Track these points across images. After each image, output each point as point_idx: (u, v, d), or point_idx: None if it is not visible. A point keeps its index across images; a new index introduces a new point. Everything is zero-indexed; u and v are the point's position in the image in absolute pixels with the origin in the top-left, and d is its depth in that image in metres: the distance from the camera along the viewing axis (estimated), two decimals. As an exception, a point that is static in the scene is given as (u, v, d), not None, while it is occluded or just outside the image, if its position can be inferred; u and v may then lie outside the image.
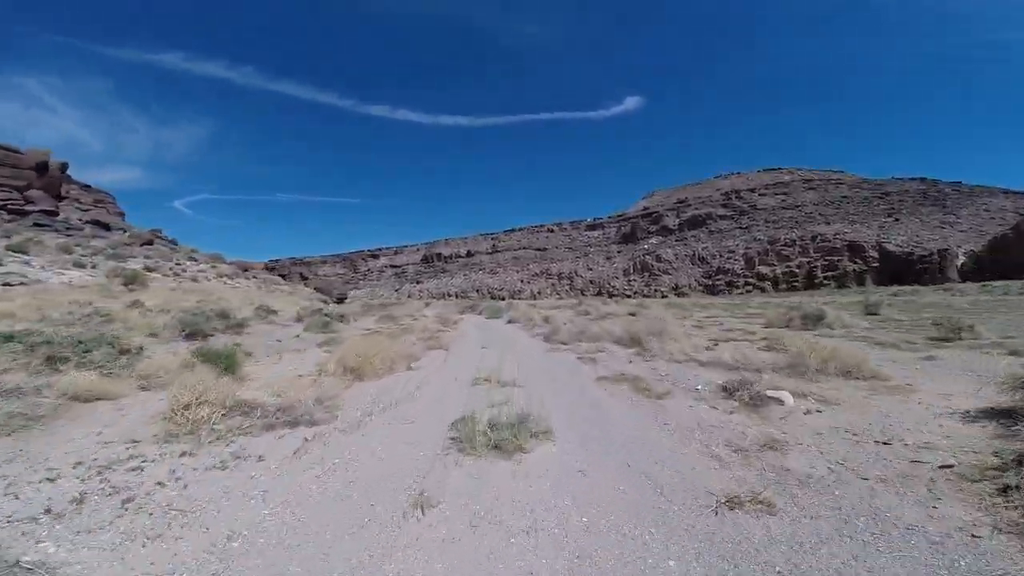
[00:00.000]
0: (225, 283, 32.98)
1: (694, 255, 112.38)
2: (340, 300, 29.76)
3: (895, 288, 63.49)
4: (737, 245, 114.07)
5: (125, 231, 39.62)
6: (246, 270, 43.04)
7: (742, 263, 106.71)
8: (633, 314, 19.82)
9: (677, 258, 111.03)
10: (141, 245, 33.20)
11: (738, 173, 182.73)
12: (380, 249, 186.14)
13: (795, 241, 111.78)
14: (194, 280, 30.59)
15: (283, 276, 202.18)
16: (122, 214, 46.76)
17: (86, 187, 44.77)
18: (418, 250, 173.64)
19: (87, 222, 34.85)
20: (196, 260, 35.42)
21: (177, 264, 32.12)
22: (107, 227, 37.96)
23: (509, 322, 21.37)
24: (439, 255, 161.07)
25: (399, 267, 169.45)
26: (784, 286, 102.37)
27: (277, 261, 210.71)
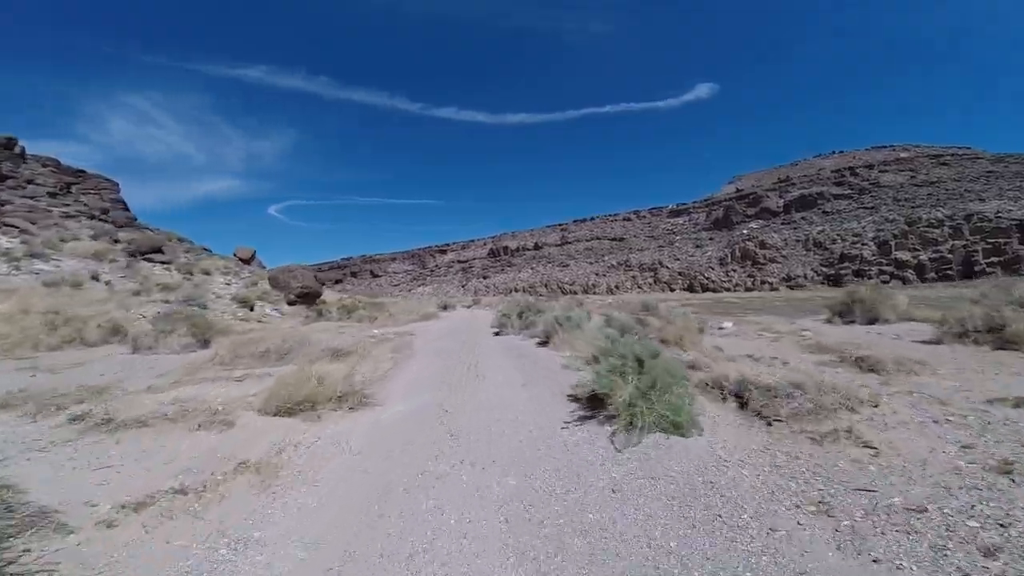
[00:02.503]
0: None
1: (808, 240, 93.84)
2: (301, 299, 20.03)
3: None
4: (864, 227, 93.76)
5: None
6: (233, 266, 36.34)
7: (873, 248, 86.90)
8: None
9: (787, 244, 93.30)
10: None
11: (840, 152, 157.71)
12: (448, 245, 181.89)
13: (942, 221, 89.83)
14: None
15: (354, 274, 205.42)
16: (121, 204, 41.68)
17: (80, 172, 40.04)
18: (485, 244, 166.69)
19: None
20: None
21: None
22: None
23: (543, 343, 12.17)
24: (506, 248, 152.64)
25: (466, 262, 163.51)
26: (932, 275, 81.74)
27: (349, 259, 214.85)
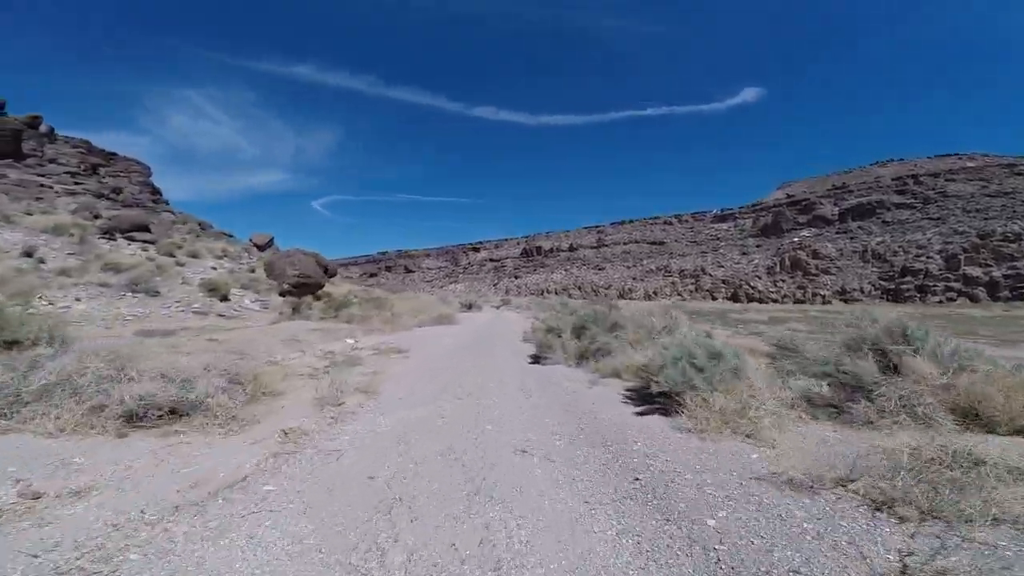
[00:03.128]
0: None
1: (865, 251, 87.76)
2: (297, 289, 18.17)
3: None
4: (929, 240, 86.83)
5: None
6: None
7: (939, 262, 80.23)
8: None
9: (841, 254, 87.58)
10: None
11: (900, 159, 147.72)
12: (481, 243, 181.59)
13: (1020, 235, 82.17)
14: None
15: (388, 268, 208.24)
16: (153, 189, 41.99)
17: (111, 155, 40.73)
18: (518, 244, 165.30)
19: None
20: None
21: None
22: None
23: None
24: (539, 249, 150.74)
25: (498, 261, 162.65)
26: (1006, 292, 74.71)
27: (384, 253, 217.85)
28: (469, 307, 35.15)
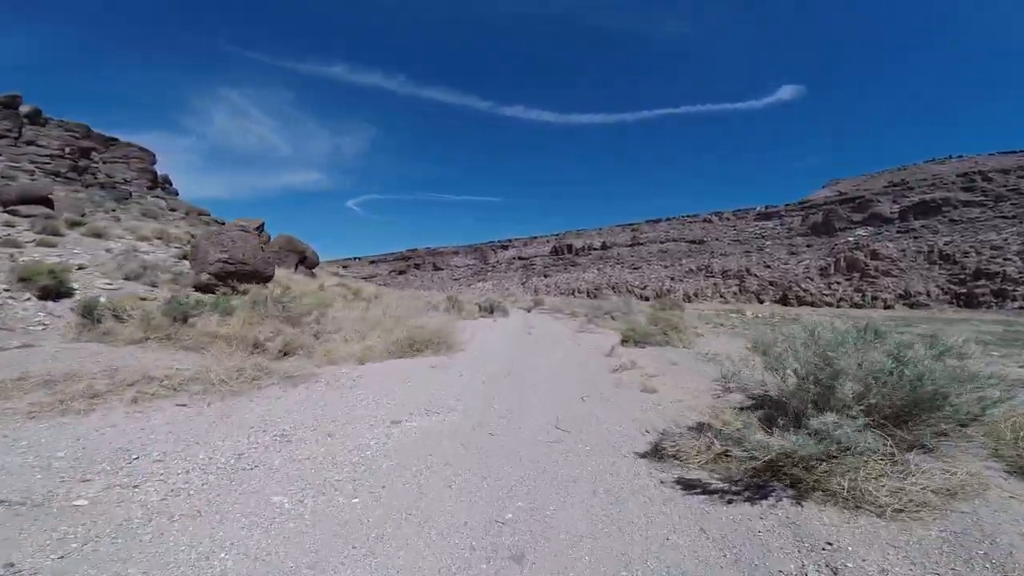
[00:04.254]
0: None
1: (931, 251, 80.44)
2: (222, 281, 11.55)
3: None
4: (1006, 240, 78.77)
5: None
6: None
7: (1019, 264, 72.41)
8: None
9: (904, 255, 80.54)
10: None
11: (959, 156, 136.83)
12: (510, 240, 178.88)
13: (1113, 236, 73.72)
14: None
15: (417, 266, 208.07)
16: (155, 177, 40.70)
17: (112, 140, 39.85)
18: (547, 241, 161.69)
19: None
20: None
21: None
22: None
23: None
24: (569, 247, 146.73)
25: (527, 259, 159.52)
26: (1100, 301, 66.75)
27: (414, 251, 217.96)
28: (491, 311, 24.44)
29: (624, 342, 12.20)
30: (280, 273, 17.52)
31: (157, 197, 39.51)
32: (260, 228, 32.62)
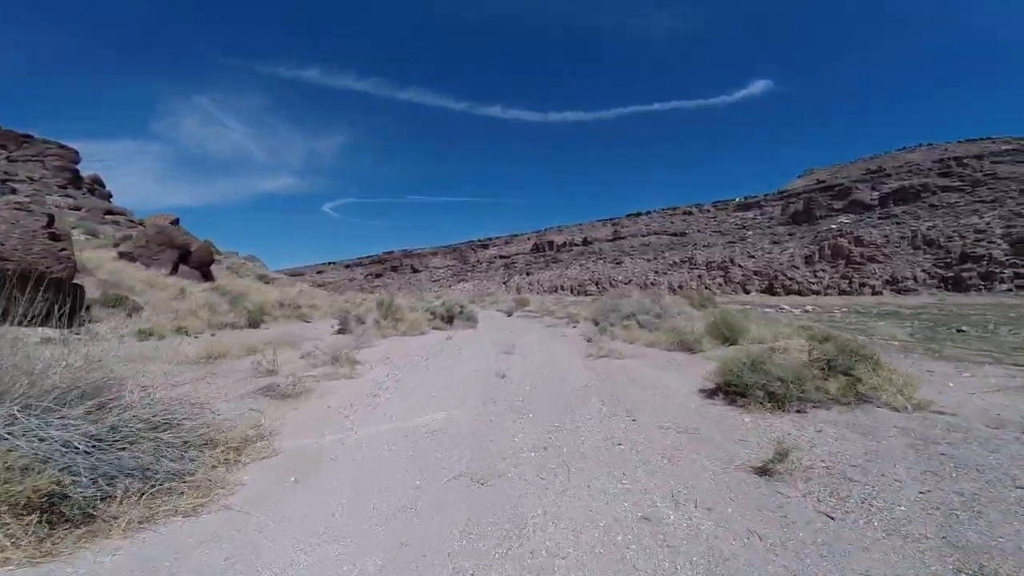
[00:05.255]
0: None
1: (915, 236, 79.18)
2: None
3: None
4: (989, 223, 77.90)
5: None
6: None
7: (1004, 247, 71.40)
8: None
9: (888, 241, 79.11)
10: None
11: (929, 144, 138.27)
12: (490, 239, 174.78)
13: (1092, 216, 73.41)
14: None
15: (394, 269, 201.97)
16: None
17: (26, 137, 35.60)
18: (528, 239, 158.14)
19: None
20: None
21: None
22: None
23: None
24: (551, 243, 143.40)
25: (508, 257, 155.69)
26: (1085, 281, 65.96)
27: (390, 253, 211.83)
28: (449, 319, 16.81)
29: (727, 394, 5.75)
30: (143, 276, 13.09)
31: (66, 196, 34.48)
32: (174, 222, 27.79)
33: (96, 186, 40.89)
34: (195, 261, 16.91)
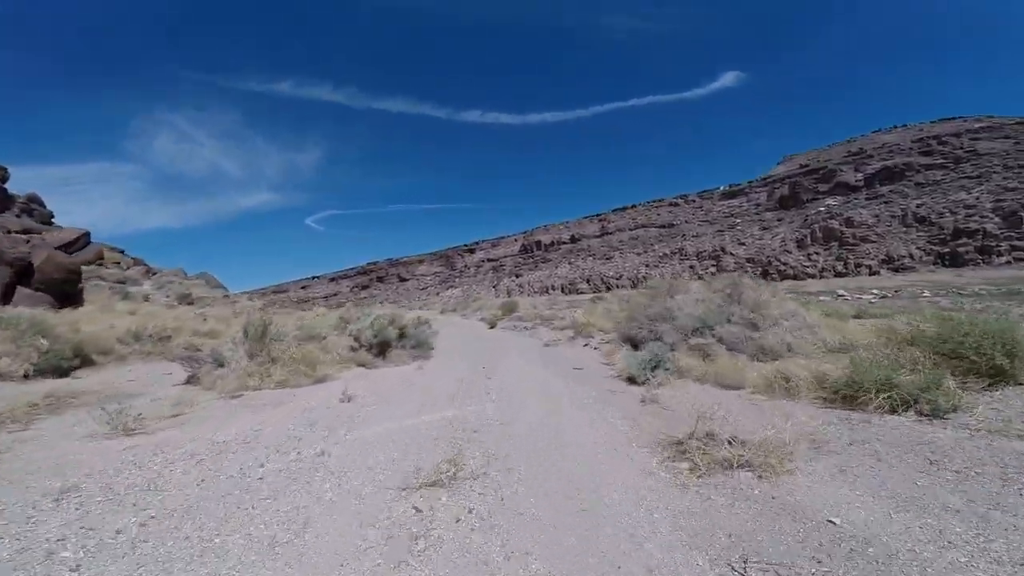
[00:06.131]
0: None
1: (905, 215, 78.32)
2: None
3: None
4: (978, 199, 77.36)
5: None
6: None
7: (997, 221, 70.67)
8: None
9: (879, 220, 78.09)
10: None
11: (904, 126, 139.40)
12: (477, 243, 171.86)
13: (1079, 185, 73.25)
14: None
15: (380, 279, 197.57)
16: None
17: None
18: (516, 240, 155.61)
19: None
20: None
21: None
22: None
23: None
24: (538, 243, 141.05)
25: (496, 260, 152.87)
26: (1079, 250, 65.41)
27: (375, 263, 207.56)
28: (382, 351, 10.87)
29: None
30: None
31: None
32: (78, 240, 24.40)
33: (33, 204, 37.36)
34: (42, 281, 13.17)
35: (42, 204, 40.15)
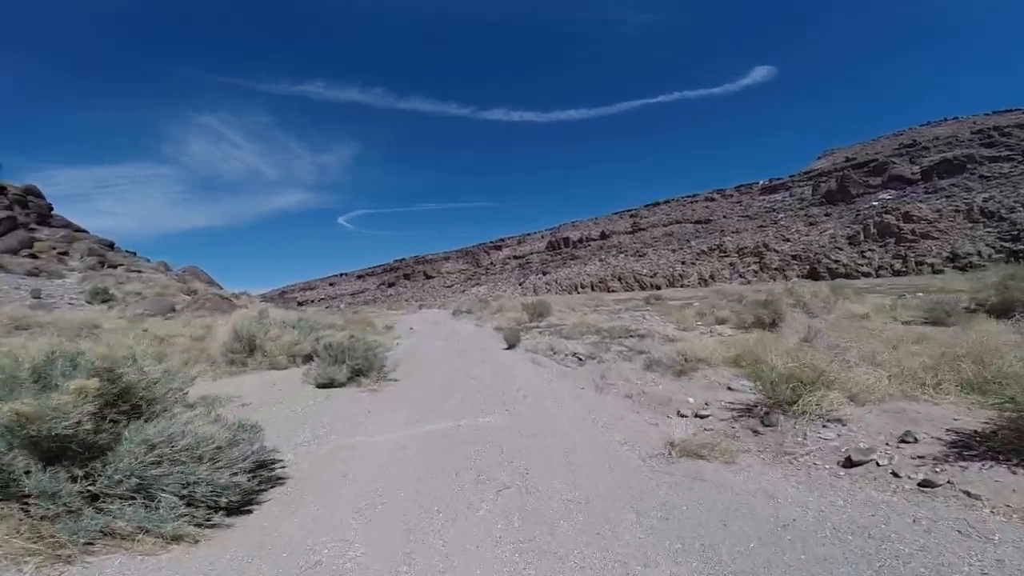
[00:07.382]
0: None
1: (970, 209, 72.41)
2: None
3: None
4: (1053, 190, 70.90)
5: None
6: None
7: (1076, 215, 64.42)
8: None
9: (941, 215, 72.43)
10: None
11: (955, 118, 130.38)
12: (503, 240, 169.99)
13: None
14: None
15: (407, 276, 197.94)
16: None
17: None
18: (543, 237, 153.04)
19: None
20: None
21: None
22: None
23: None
24: (566, 240, 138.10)
25: (522, 257, 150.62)
26: None
27: (401, 261, 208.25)
28: (328, 382, 8.37)
29: None
30: None
31: None
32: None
33: (30, 197, 37.50)
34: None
35: (40, 196, 39.89)
